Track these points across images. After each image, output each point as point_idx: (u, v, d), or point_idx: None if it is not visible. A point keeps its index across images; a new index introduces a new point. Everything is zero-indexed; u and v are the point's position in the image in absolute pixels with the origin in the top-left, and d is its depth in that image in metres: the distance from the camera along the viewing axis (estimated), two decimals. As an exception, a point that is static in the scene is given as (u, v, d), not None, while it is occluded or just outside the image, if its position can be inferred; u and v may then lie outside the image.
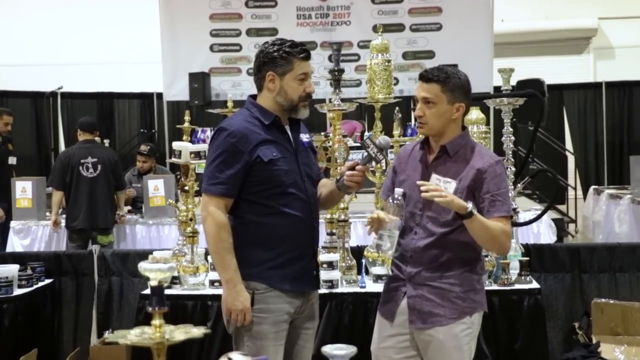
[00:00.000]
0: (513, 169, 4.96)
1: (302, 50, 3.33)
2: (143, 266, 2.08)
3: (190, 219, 4.76)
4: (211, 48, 10.99)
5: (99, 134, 9.58)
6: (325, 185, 3.48)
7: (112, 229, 7.68)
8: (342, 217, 4.72)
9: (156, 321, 2.02)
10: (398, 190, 3.20)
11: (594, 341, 4.69)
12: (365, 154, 3.35)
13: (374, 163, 3.41)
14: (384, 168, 4.78)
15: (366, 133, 10.55)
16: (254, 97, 3.43)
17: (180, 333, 2.04)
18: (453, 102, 3.24)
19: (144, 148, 8.78)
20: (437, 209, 3.21)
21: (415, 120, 3.39)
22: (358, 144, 9.78)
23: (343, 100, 4.85)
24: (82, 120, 8.20)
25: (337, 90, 4.80)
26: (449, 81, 3.23)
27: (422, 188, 3.09)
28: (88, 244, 7.45)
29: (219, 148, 3.26)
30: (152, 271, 2.06)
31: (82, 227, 7.50)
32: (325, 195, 3.46)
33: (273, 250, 3.26)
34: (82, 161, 7.54)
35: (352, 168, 3.29)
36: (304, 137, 3.45)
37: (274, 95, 3.32)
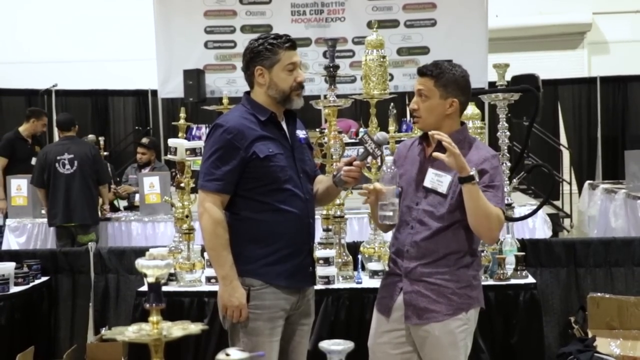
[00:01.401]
0: (508, 164, 4.97)
1: (287, 40, 3.32)
2: (140, 263, 2.08)
3: (186, 216, 4.76)
4: (206, 45, 10.99)
5: (97, 133, 9.60)
6: (322, 182, 3.49)
7: (92, 226, 7.56)
8: (338, 213, 4.72)
9: (154, 318, 2.02)
10: (389, 159, 3.23)
11: (590, 335, 4.70)
12: (363, 149, 3.35)
13: (370, 158, 3.41)
14: (379, 164, 4.79)
15: (361, 129, 10.56)
16: (249, 93, 3.43)
17: (178, 329, 2.04)
18: (446, 97, 3.25)
19: (144, 140, 8.84)
20: (434, 203, 3.22)
21: (411, 114, 3.40)
22: (353, 140, 9.80)
23: (338, 96, 4.85)
24: (58, 118, 8.23)
25: (333, 87, 4.79)
26: (443, 76, 3.24)
27: (436, 136, 3.09)
28: (74, 243, 7.38)
29: (214, 144, 3.27)
30: (150, 268, 2.07)
31: (61, 224, 7.45)
32: (322, 192, 3.46)
33: (269, 247, 3.26)
34: (58, 158, 7.49)
35: (350, 163, 3.29)
36: (301, 133, 3.45)
37: (266, 89, 3.33)
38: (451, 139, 3.26)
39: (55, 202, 7.48)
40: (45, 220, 7.78)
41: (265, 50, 3.30)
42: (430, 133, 3.17)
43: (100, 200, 7.80)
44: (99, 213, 7.76)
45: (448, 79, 3.24)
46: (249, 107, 3.35)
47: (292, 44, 3.34)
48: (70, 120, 8.03)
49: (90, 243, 5.69)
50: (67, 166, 7.48)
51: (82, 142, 8.00)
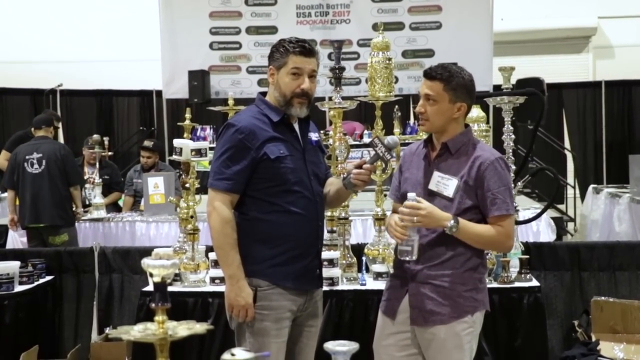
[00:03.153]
0: (513, 167, 4.97)
1: (299, 46, 3.31)
2: (147, 262, 2.09)
3: (191, 217, 4.77)
4: (211, 46, 11.00)
5: (101, 133, 9.57)
6: (333, 184, 3.49)
7: (63, 227, 7.28)
8: (343, 214, 4.73)
9: (159, 317, 2.02)
10: (411, 195, 3.20)
11: (594, 339, 4.70)
12: (373, 153, 3.35)
13: (380, 162, 3.42)
14: (384, 167, 4.79)
15: (366, 131, 10.57)
16: (264, 94, 3.44)
17: (183, 329, 2.04)
18: (455, 101, 3.24)
19: (147, 143, 8.64)
20: (439, 206, 3.21)
21: (416, 117, 3.40)
22: (358, 142, 9.81)
23: (343, 98, 4.85)
24: (35, 118, 8.04)
25: (338, 88, 4.80)
26: (452, 80, 3.23)
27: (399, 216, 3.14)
28: (44, 245, 7.13)
29: (226, 144, 3.27)
30: (156, 267, 2.07)
31: (29, 225, 7.27)
32: (332, 194, 3.47)
33: (276, 248, 3.27)
34: (27, 157, 7.28)
35: (360, 166, 3.30)
36: (313, 135, 3.45)
37: (273, 90, 3.36)
38: (455, 141, 3.28)
39: (24, 203, 7.28)
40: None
41: (277, 52, 3.33)
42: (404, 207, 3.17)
43: (74, 203, 7.50)
44: (71, 215, 7.43)
45: (458, 82, 3.24)
46: (262, 107, 3.36)
47: (303, 49, 3.31)
48: (43, 120, 7.79)
49: (94, 243, 5.69)
50: (36, 165, 7.25)
51: (53, 142, 7.72)
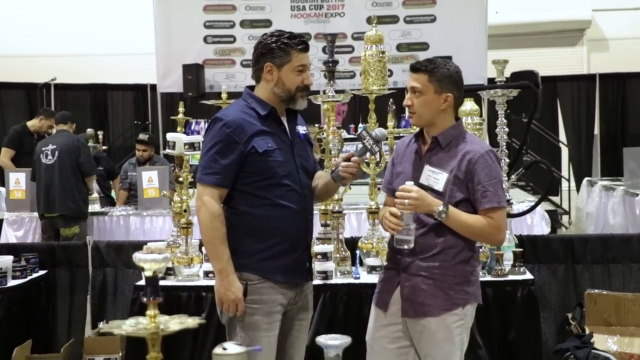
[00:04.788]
0: (507, 160, 4.97)
1: (300, 42, 3.34)
2: (138, 256, 2.08)
3: (185, 210, 4.76)
4: (205, 40, 10.98)
5: (95, 127, 9.57)
6: (321, 177, 3.50)
7: (75, 219, 7.40)
8: (337, 208, 4.73)
9: (151, 311, 2.02)
10: (408, 183, 3.21)
11: (587, 332, 4.71)
12: (361, 145, 3.36)
13: (369, 155, 3.42)
14: (377, 160, 4.79)
15: (360, 125, 10.55)
16: (251, 88, 3.43)
17: (175, 323, 2.04)
18: (440, 92, 3.25)
19: (142, 136, 8.61)
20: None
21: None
22: (352, 136, 9.78)
23: (337, 91, 4.85)
24: (60, 113, 8.36)
25: (332, 82, 4.79)
26: (437, 71, 3.25)
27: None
28: (58, 236, 7.31)
29: (214, 138, 3.27)
30: (147, 262, 2.07)
31: (43, 214, 7.39)
32: (321, 187, 3.47)
33: (266, 242, 3.27)
34: (43, 149, 7.48)
35: (348, 159, 3.31)
36: (301, 129, 3.46)
37: (272, 86, 3.33)
38: (446, 134, 3.29)
39: (39, 192, 7.45)
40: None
41: (278, 49, 3.30)
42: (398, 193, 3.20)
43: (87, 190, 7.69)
44: (82, 207, 7.53)
45: (442, 73, 3.25)
46: (249, 101, 3.36)
47: (305, 46, 3.35)
48: (68, 116, 8.02)
49: (88, 237, 5.68)
50: (49, 156, 7.42)
51: (70, 135, 7.80)
